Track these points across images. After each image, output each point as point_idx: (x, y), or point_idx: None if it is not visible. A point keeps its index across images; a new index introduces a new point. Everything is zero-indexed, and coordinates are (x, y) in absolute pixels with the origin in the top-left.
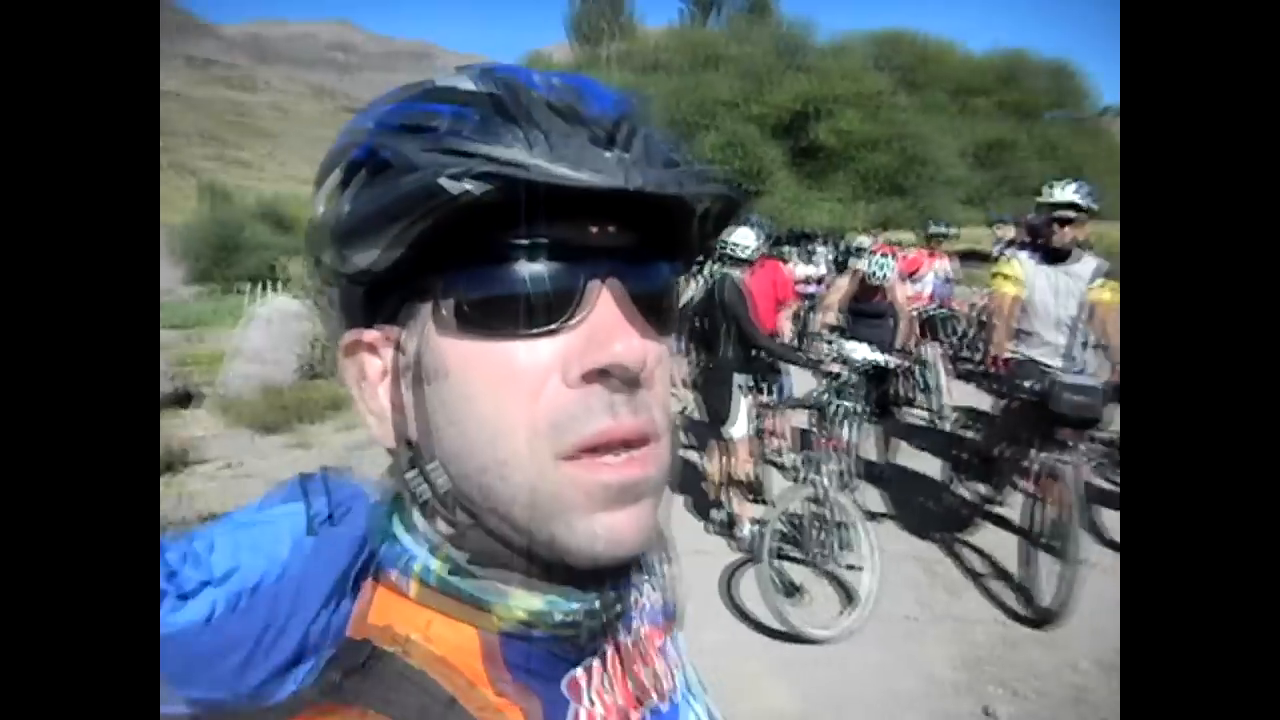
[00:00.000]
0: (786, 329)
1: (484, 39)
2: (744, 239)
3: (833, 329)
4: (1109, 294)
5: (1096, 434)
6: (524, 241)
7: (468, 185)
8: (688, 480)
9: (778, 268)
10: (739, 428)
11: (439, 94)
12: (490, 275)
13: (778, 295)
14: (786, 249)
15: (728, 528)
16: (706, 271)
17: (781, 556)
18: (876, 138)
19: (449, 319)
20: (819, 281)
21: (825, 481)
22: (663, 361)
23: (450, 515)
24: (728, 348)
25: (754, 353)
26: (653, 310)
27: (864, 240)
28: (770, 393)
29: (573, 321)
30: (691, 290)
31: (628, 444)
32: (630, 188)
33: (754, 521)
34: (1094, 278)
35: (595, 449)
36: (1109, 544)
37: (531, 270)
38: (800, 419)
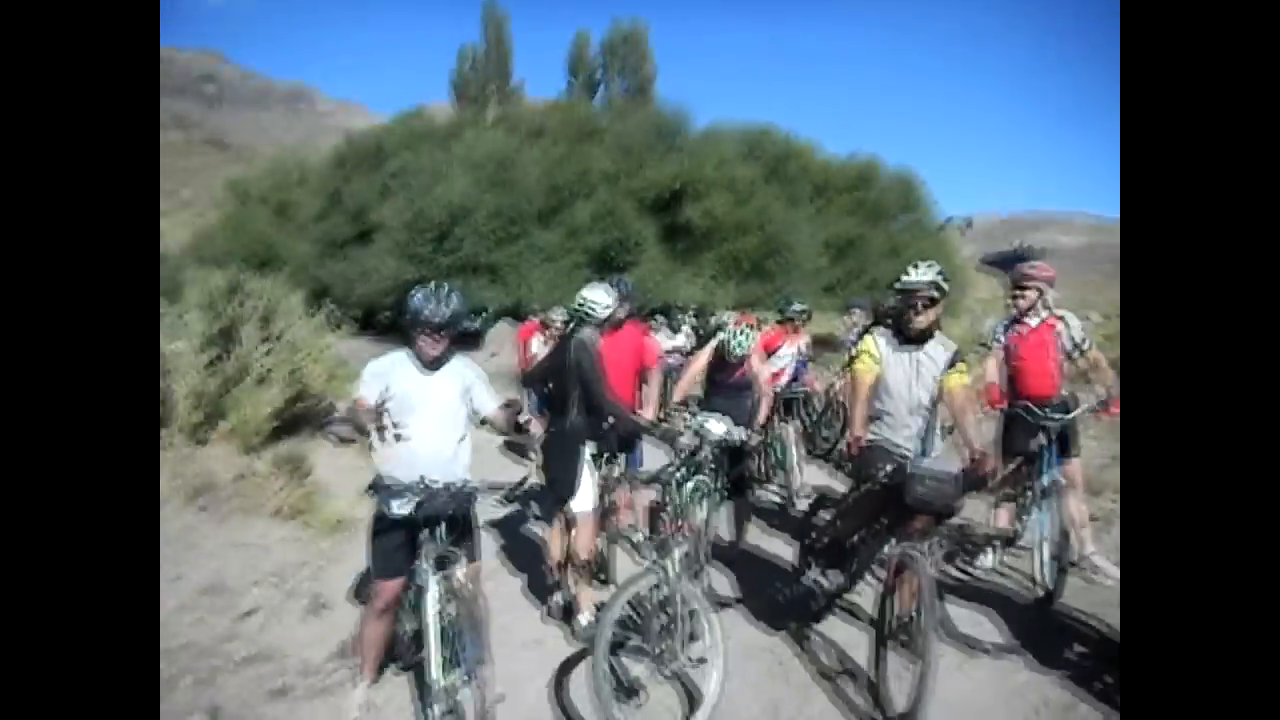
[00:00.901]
0: (652, 398)
1: (365, 88)
2: (598, 297)
3: (690, 402)
4: (962, 378)
5: (950, 522)
6: None
7: None
8: (526, 559)
9: (642, 333)
10: (584, 502)
11: None
12: None
13: (640, 362)
14: (656, 320)
15: (567, 614)
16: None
17: (621, 648)
18: (745, 223)
19: None
20: (686, 353)
21: (673, 568)
22: None
23: None
24: (576, 414)
25: (605, 422)
26: None
27: (729, 317)
28: (621, 465)
29: None
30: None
31: None
32: None
33: (596, 607)
34: (949, 363)
35: None
36: (961, 639)
37: None
38: (652, 494)
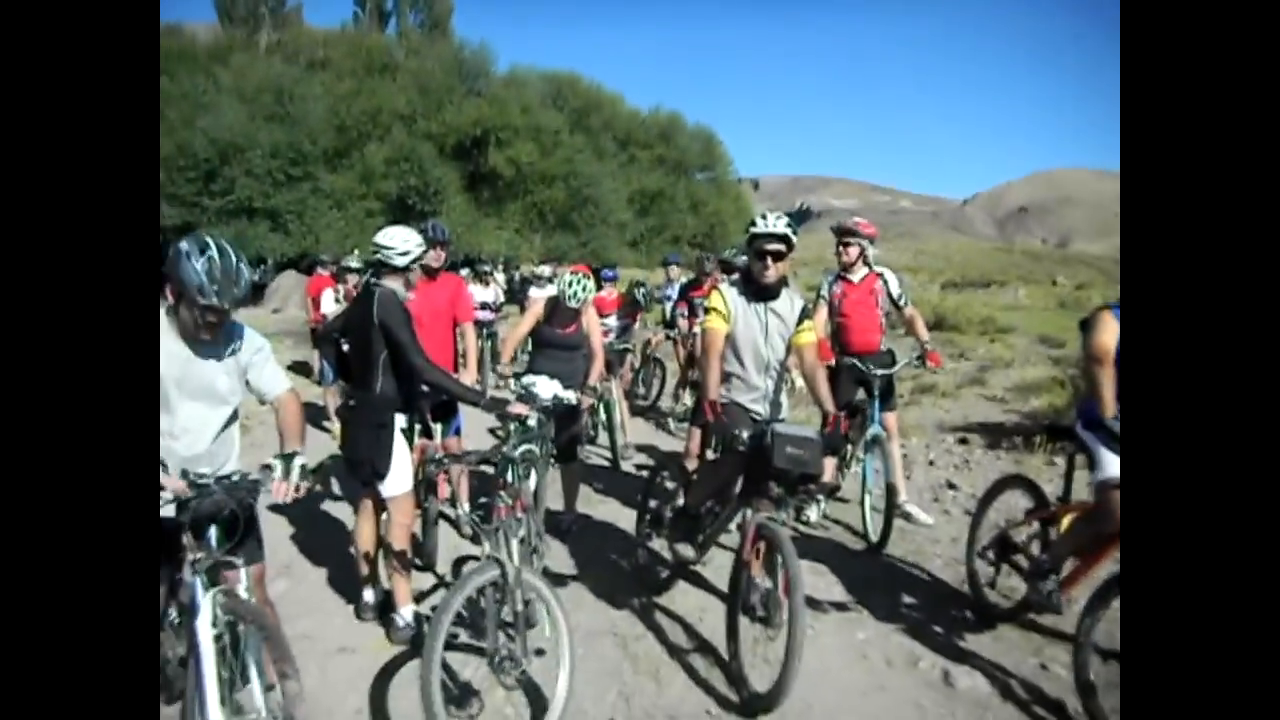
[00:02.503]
0: (471, 359)
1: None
2: (399, 240)
3: (518, 362)
4: (813, 335)
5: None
6: None
7: None
8: (326, 549)
9: (459, 283)
10: (398, 484)
11: None
12: None
13: (455, 315)
14: (464, 272)
15: (382, 612)
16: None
17: (449, 648)
18: (551, 173)
19: None
20: (495, 309)
21: (513, 558)
22: None
23: None
24: (383, 380)
25: (419, 388)
26: None
27: (544, 269)
28: (438, 436)
29: None
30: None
31: None
32: None
33: (416, 599)
34: (800, 319)
35: None
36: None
37: None
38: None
